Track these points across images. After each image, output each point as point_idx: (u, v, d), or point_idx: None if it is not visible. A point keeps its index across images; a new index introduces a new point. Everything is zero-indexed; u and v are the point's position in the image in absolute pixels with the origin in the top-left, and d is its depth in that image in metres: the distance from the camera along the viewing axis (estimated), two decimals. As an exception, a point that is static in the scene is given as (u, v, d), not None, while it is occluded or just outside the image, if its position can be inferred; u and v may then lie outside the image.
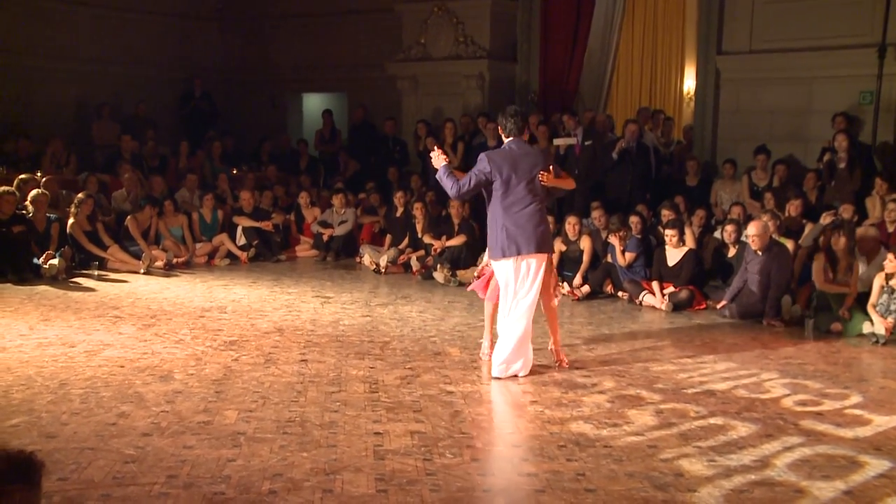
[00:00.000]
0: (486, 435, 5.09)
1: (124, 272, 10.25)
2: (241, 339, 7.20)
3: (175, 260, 10.85)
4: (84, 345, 6.85)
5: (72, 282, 9.65)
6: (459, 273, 10.22)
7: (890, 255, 7.73)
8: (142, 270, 10.29)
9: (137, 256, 10.50)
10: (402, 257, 11.14)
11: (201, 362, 6.41)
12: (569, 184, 6.61)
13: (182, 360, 6.45)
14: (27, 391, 5.61)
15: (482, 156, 6.26)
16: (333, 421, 5.14)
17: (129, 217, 11.11)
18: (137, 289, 9.41)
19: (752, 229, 8.57)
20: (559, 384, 6.09)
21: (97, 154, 14.14)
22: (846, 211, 9.35)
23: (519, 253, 6.11)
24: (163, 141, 14.55)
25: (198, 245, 11.46)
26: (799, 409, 5.63)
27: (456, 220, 10.87)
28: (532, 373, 6.29)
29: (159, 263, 10.61)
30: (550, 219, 6.65)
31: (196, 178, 12.92)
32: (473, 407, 5.54)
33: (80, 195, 10.70)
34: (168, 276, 10.28)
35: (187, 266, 10.95)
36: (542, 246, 6.20)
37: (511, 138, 6.26)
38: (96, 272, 10.03)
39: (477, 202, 11.71)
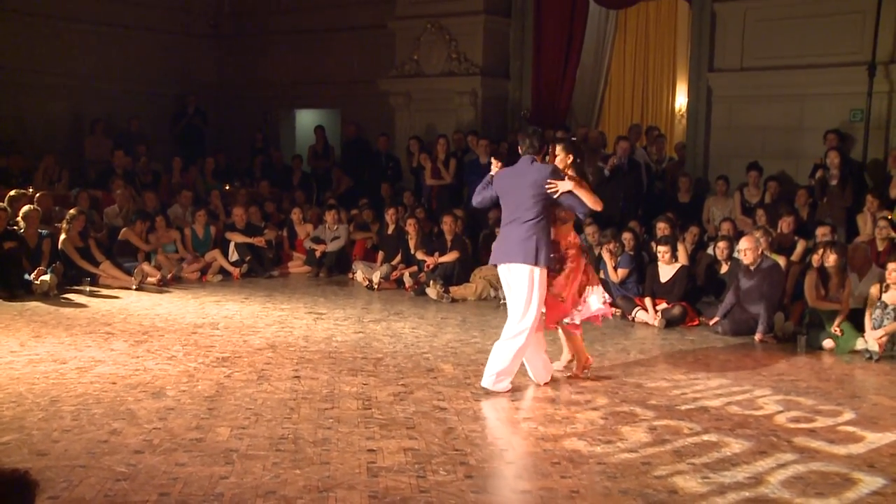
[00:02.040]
0: (480, 452, 5.07)
1: (116, 288, 10.22)
2: (234, 355, 7.17)
3: (169, 276, 10.81)
4: (75, 361, 6.81)
5: (63, 298, 9.61)
6: (452, 289, 10.22)
7: (892, 265, 7.73)
8: (134, 286, 10.25)
9: (129, 272, 10.47)
10: (394, 273, 11.13)
11: (193, 379, 6.38)
12: (586, 196, 6.29)
13: (174, 377, 6.42)
14: (18, 408, 5.57)
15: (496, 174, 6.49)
16: (326, 438, 5.12)
17: (124, 230, 11.11)
18: (129, 305, 9.38)
19: (743, 243, 8.65)
20: (552, 401, 6.08)
21: (90, 170, 14.13)
22: (822, 233, 9.29)
23: (496, 262, 6.39)
24: (156, 157, 14.55)
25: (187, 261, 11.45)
26: (792, 425, 5.64)
27: (448, 237, 10.87)
28: (525, 389, 6.29)
29: (152, 280, 10.57)
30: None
31: (190, 195, 12.91)
32: (467, 424, 5.53)
33: (71, 211, 10.68)
34: (160, 292, 10.25)
35: (179, 282, 10.91)
36: (517, 256, 6.20)
37: (524, 156, 6.35)
38: (88, 288, 9.99)
39: (470, 218, 11.76)
